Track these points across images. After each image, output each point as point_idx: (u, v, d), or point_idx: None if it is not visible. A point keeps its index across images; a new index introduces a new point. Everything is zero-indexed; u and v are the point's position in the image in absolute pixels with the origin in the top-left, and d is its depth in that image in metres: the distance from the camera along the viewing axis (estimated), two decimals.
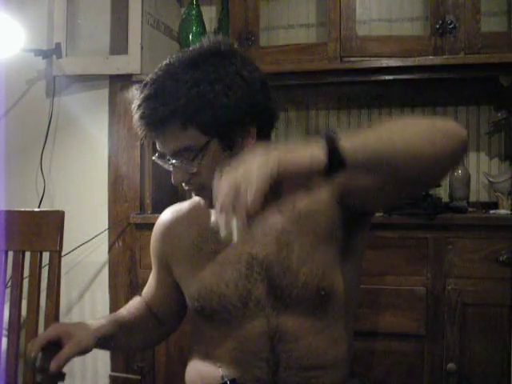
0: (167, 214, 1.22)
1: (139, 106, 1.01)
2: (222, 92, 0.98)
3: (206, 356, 1.13)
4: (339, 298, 1.08)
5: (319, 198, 1.07)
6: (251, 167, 0.79)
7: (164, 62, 1.04)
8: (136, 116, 1.02)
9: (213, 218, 1.02)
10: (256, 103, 1.01)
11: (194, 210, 1.17)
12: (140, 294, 1.29)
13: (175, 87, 0.97)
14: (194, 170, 1.01)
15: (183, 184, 1.05)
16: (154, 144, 2.21)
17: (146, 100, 0.99)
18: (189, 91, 0.97)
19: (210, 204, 1.05)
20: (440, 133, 0.90)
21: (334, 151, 0.81)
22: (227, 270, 1.07)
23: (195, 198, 1.18)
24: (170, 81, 0.99)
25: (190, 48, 1.07)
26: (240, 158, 0.82)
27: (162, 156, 1.06)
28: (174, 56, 1.05)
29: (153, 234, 1.23)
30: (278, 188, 1.06)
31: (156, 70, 1.03)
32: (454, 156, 0.93)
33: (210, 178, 0.99)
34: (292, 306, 1.05)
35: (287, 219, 1.07)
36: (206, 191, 1.03)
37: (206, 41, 1.07)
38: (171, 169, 1.05)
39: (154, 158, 1.08)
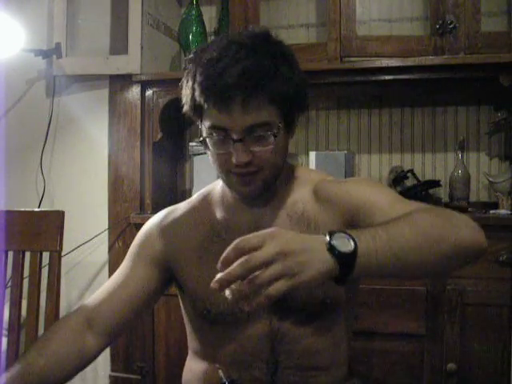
0: (164, 215, 1.16)
1: (228, 67, 0.92)
2: (298, 75, 0.98)
3: (205, 357, 1.12)
4: (342, 304, 1.09)
5: (329, 212, 1.07)
6: (277, 267, 0.72)
7: (229, 38, 0.98)
8: (221, 80, 0.92)
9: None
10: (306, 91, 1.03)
11: (194, 211, 1.14)
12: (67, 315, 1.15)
13: (263, 60, 0.93)
14: (271, 147, 0.97)
15: (236, 167, 0.98)
16: (154, 144, 2.23)
17: (236, 64, 0.92)
18: (276, 67, 0.94)
19: (254, 191, 1.02)
20: (461, 247, 0.86)
21: (348, 264, 0.76)
22: None
23: (191, 199, 1.18)
24: (253, 53, 0.93)
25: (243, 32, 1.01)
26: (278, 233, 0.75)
27: (210, 133, 0.98)
28: (240, 33, 0.99)
29: (147, 233, 1.16)
30: (286, 192, 1.06)
31: (224, 42, 0.96)
32: (469, 262, 0.90)
33: (270, 160, 0.98)
34: (295, 311, 1.04)
35: (295, 225, 1.06)
36: (259, 175, 0.99)
37: (252, 28, 1.04)
38: (230, 148, 0.96)
39: (201, 138, 1.01)
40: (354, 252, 0.76)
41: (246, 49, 0.94)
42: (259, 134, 0.95)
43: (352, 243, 0.76)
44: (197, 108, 0.98)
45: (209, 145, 0.99)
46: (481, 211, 2.01)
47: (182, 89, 1.02)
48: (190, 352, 1.19)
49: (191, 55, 1.01)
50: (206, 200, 1.14)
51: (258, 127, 0.95)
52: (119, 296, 1.12)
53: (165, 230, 1.14)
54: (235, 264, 0.72)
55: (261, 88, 0.93)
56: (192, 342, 1.18)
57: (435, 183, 2.06)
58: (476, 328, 1.81)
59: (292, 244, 0.74)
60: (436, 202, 1.93)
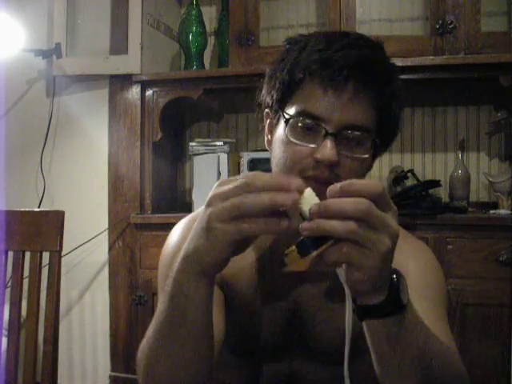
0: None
1: (346, 47, 0.79)
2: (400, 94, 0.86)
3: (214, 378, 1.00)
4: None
5: None
6: None
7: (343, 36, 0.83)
8: (336, 56, 0.78)
9: None
10: None
11: None
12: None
13: (381, 55, 0.84)
14: (365, 156, 0.81)
15: (315, 168, 0.79)
16: (154, 144, 2.22)
17: (355, 48, 0.79)
18: (389, 70, 0.84)
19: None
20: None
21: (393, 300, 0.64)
22: (273, 319, 0.93)
23: None
24: (372, 46, 0.83)
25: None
26: None
27: (297, 117, 0.80)
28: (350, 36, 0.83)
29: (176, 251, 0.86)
30: None
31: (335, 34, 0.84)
32: None
33: (355, 176, 0.80)
34: (320, 357, 0.94)
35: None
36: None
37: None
38: (316, 142, 0.79)
39: (285, 119, 0.81)
40: (404, 304, 0.65)
41: (365, 40, 0.84)
42: (356, 137, 0.80)
43: (406, 299, 0.65)
44: (289, 86, 0.82)
45: (287, 133, 0.81)
46: (481, 211, 2.01)
47: (271, 70, 0.86)
48: None
49: (290, 40, 0.87)
50: None
51: (357, 130, 0.79)
52: None
53: None
54: (351, 200, 0.57)
55: (373, 84, 0.80)
56: None
57: (435, 183, 2.06)
58: (476, 328, 1.81)
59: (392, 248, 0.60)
60: (436, 202, 1.93)
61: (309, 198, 0.59)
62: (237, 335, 0.94)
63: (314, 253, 0.58)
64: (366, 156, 0.82)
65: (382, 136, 0.84)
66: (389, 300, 0.63)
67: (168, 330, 0.71)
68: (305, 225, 0.57)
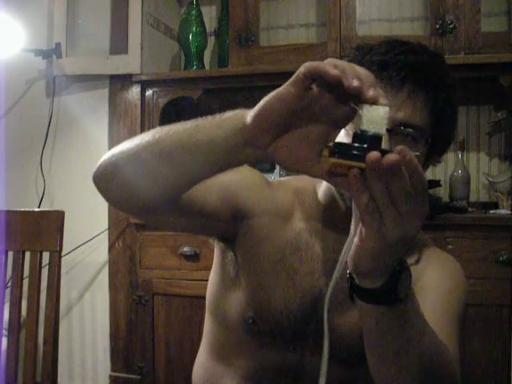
0: (267, 180, 1.00)
1: (406, 52, 0.86)
2: (456, 112, 0.92)
3: (222, 360, 1.02)
4: None
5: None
6: None
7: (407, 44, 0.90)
8: (396, 58, 0.86)
9: None
10: None
11: (288, 204, 0.98)
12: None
13: (441, 66, 0.90)
14: (417, 153, 0.80)
15: None
16: None
17: (415, 53, 0.87)
18: (448, 84, 0.89)
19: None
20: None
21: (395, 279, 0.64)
22: (295, 300, 0.93)
23: (284, 184, 1.02)
24: (431, 55, 0.89)
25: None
26: None
27: None
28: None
29: (251, 176, 0.97)
30: None
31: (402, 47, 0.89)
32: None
33: None
34: (333, 357, 0.86)
35: None
36: None
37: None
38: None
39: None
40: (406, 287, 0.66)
41: (425, 49, 0.91)
42: (409, 134, 0.85)
43: (403, 293, 0.66)
44: None
45: (348, 127, 0.82)
46: (481, 211, 2.01)
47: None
48: (204, 348, 1.08)
49: (357, 47, 0.95)
50: (297, 197, 0.99)
51: (410, 127, 0.86)
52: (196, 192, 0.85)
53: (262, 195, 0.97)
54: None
55: (429, 87, 0.86)
56: (210, 338, 1.06)
57: (435, 183, 2.06)
58: (476, 328, 1.81)
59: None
60: (436, 201, 1.93)
61: (379, 114, 0.60)
62: (254, 306, 0.94)
63: (342, 161, 0.58)
64: (418, 153, 0.85)
65: (435, 141, 0.89)
66: (384, 289, 0.64)
67: (170, 142, 0.71)
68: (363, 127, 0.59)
